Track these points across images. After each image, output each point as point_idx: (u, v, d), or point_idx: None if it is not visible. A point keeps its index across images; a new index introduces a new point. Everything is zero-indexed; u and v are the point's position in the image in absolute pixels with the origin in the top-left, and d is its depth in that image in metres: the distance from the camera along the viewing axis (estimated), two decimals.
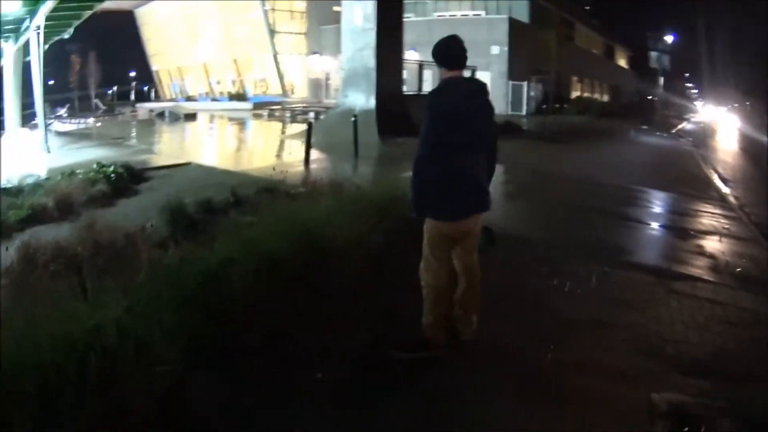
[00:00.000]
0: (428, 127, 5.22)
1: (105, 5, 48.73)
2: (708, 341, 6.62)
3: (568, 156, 23.68)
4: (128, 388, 4.16)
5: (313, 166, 17.04)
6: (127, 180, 16.44)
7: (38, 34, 29.63)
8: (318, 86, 63.61)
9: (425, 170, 5.22)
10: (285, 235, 6.49)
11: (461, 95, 5.37)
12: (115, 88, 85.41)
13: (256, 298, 5.49)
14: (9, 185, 15.86)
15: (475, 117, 5.36)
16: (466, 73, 5.71)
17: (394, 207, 7.99)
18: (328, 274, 6.43)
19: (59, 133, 40.08)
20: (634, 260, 9.71)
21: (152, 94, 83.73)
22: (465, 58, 5.49)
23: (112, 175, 16.02)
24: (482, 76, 37.72)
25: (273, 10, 68.52)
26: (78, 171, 16.67)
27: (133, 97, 79.80)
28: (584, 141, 29.90)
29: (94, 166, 16.82)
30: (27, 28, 30.41)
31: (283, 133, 34.29)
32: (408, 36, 30.47)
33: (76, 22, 37.69)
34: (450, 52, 5.48)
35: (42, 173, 17.67)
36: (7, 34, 33.20)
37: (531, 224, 11.66)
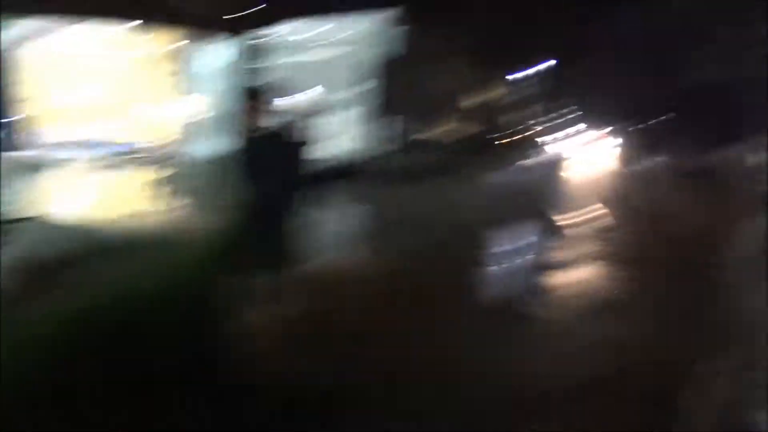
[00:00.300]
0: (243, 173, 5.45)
1: None
2: None
3: (437, 197, 22.74)
4: None
5: (166, 215, 16.88)
6: None
7: None
8: (186, 132, 63.00)
9: (243, 218, 5.46)
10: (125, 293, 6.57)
11: (273, 141, 5.68)
12: None
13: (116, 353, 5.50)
14: None
15: (281, 162, 5.60)
16: None
17: None
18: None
19: None
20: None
21: (21, 141, 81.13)
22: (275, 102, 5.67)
23: None
24: (347, 114, 37.71)
25: (143, 54, 67.53)
26: None
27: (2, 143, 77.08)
28: (450, 178, 29.57)
29: None
30: None
31: (144, 179, 33.86)
32: (279, 79, 30.30)
33: None
34: (257, 93, 5.85)
35: None
36: None
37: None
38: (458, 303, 9.68)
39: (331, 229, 15.84)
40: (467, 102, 60.17)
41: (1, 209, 20.05)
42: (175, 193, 20.99)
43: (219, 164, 20.01)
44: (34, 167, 41.68)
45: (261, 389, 5.90)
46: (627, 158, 36.72)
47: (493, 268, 12.61)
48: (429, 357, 7.21)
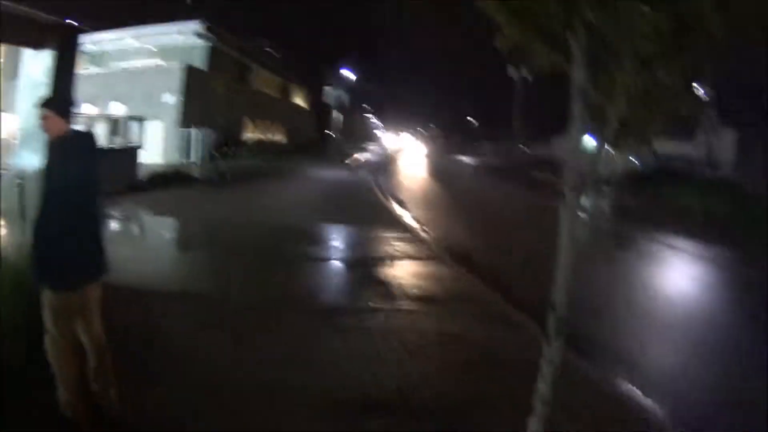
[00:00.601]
0: (47, 183, 5.04)
1: None
2: (386, 375, 6.76)
3: (242, 201, 23.98)
4: None
5: None
6: None
7: None
8: (7, 146, 60.49)
9: (39, 231, 4.97)
10: None
11: (70, 149, 5.21)
12: None
13: None
14: None
15: (82, 171, 5.19)
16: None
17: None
18: None
19: None
20: (305, 304, 9.78)
21: None
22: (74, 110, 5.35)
23: None
24: (154, 125, 37.22)
25: None
26: None
27: None
28: (259, 184, 30.78)
29: None
30: None
31: None
32: (88, 89, 29.75)
33: None
34: (63, 102, 5.36)
35: None
36: None
37: (195, 278, 11.53)
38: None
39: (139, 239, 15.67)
40: (270, 110, 60.19)
41: None
42: None
43: (33, 179, 19.30)
44: None
45: None
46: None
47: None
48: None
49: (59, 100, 5.32)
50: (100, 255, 5.26)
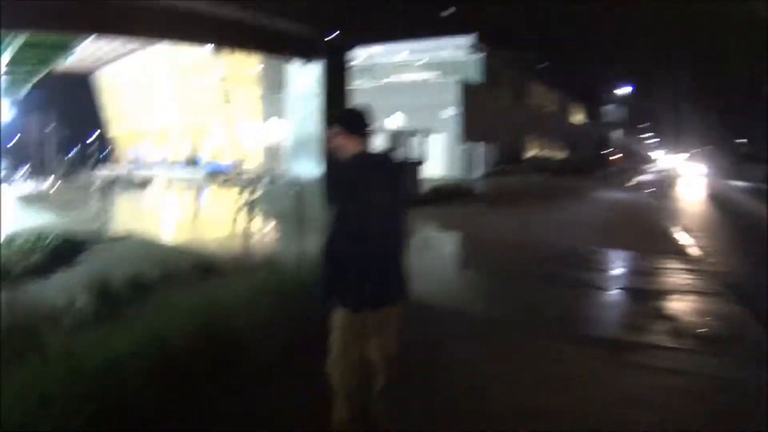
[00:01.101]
0: (336, 206, 4.90)
1: (65, 67, 48.11)
2: (668, 421, 6.24)
3: (521, 220, 23.72)
4: None
5: (254, 240, 17.02)
6: (65, 251, 16.30)
7: None
8: (273, 154, 63.50)
9: (333, 252, 4.84)
10: (196, 321, 6.51)
11: (369, 169, 5.09)
12: (73, 152, 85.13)
13: (155, 394, 5.38)
14: None
15: (384, 192, 5.03)
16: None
17: None
18: (240, 364, 6.37)
19: (15, 195, 39.96)
20: (586, 332, 9.43)
21: (109, 160, 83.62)
22: (370, 126, 5.17)
23: (50, 245, 16.03)
24: (435, 139, 37.76)
25: (228, 77, 68.80)
26: (16, 239, 16.69)
27: (92, 161, 79.58)
28: (538, 202, 29.85)
29: (33, 236, 16.82)
30: None
31: (231, 202, 34.25)
32: (361, 102, 30.65)
33: (32, 81, 37.72)
34: (355, 119, 5.17)
35: None
36: None
37: (473, 297, 11.59)
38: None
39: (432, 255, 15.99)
40: (549, 126, 59.53)
41: (87, 227, 20.66)
42: (261, 215, 21.18)
43: (307, 187, 20.13)
44: (122, 186, 42.68)
45: None
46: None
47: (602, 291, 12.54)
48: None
49: (349, 116, 5.18)
50: (400, 277, 5.15)
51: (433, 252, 16.40)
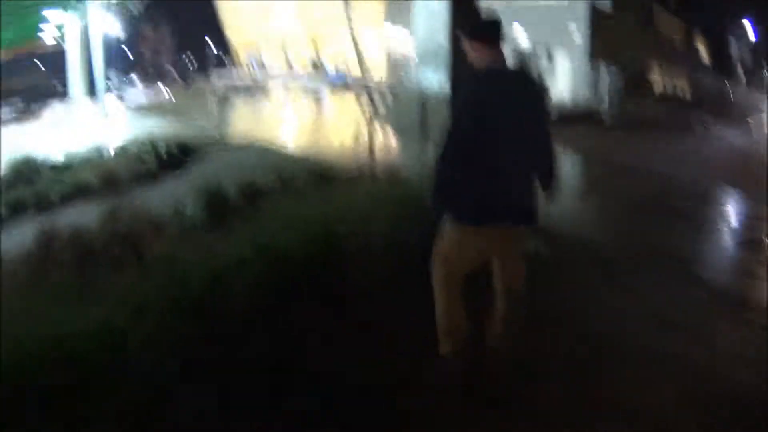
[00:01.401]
0: (455, 117, 4.57)
1: None
2: None
3: (648, 149, 22.58)
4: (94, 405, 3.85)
5: (376, 150, 16.59)
6: (178, 157, 16.16)
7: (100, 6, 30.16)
8: (398, 65, 62.96)
9: (444, 162, 4.51)
10: (311, 229, 6.05)
11: (501, 83, 4.63)
12: (192, 60, 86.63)
13: (260, 306, 4.99)
14: (57, 161, 15.84)
15: (519, 111, 4.59)
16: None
17: None
18: (356, 276, 5.81)
19: (129, 103, 40.59)
20: (703, 276, 8.51)
21: (230, 68, 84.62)
22: (501, 33, 4.68)
23: (163, 152, 15.81)
24: (562, 62, 37.01)
25: None
26: (129, 147, 16.59)
27: (211, 68, 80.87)
28: (665, 133, 28.72)
29: (147, 142, 16.59)
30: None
31: (355, 112, 33.99)
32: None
33: None
34: (492, 29, 4.67)
35: (95, 146, 17.51)
36: (71, 7, 33.90)
37: (594, 226, 11.00)
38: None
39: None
40: (674, 56, 57.70)
41: (203, 135, 20.62)
42: (384, 125, 20.72)
43: (432, 99, 19.57)
44: (241, 93, 43.01)
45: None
46: None
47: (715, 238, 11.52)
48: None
49: (484, 25, 4.68)
50: (526, 200, 4.74)
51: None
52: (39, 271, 6.60)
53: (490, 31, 4.66)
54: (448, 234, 4.72)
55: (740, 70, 56.29)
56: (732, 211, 13.72)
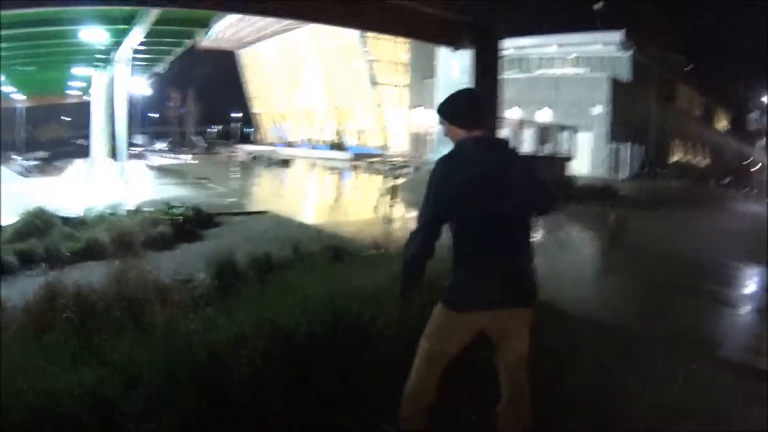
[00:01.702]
0: (428, 198, 4.59)
1: (206, 44, 49.09)
2: None
3: (666, 225, 22.53)
4: None
5: (396, 225, 16.48)
6: (193, 224, 16.25)
7: (125, 66, 30.54)
8: (420, 140, 63.27)
9: (420, 245, 4.60)
10: (319, 308, 5.94)
11: (475, 159, 4.55)
12: (219, 127, 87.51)
13: (257, 385, 4.89)
14: (72, 216, 15.90)
15: (497, 186, 4.49)
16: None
17: None
18: (362, 360, 5.67)
19: (151, 167, 40.87)
20: (726, 356, 8.22)
21: (254, 137, 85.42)
22: (482, 115, 4.75)
23: (179, 218, 15.86)
24: (583, 136, 37.08)
25: (375, 61, 69.30)
26: (145, 209, 16.78)
27: (235, 137, 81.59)
28: (683, 209, 28.24)
29: (163, 206, 16.65)
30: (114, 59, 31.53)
31: (374, 187, 34.07)
32: (509, 93, 29.96)
33: (169, 58, 38.62)
34: (462, 109, 4.69)
35: (112, 205, 17.55)
36: (97, 63, 34.38)
37: (612, 305, 10.65)
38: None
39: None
40: (694, 130, 57.71)
41: (222, 202, 20.69)
42: (403, 202, 20.71)
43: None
44: (263, 163, 43.43)
45: None
46: None
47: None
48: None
49: (448, 106, 4.69)
50: (519, 280, 4.58)
51: (575, 253, 15.53)
52: (39, 325, 6.54)
53: (467, 118, 4.64)
54: (437, 316, 4.65)
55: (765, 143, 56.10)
56: (758, 289, 13.48)
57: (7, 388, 4.16)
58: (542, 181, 4.73)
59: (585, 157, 39.69)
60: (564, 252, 15.28)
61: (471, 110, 4.65)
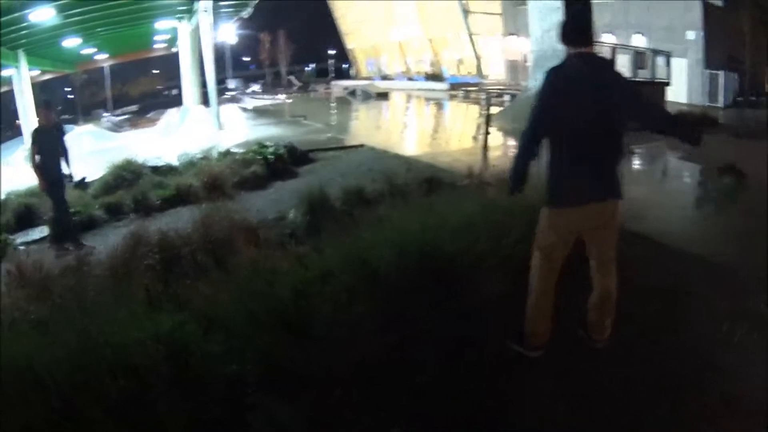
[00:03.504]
0: (537, 104, 4.96)
1: None
2: None
3: None
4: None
5: (493, 154, 16.18)
6: (287, 162, 16.14)
7: (207, 13, 30.78)
8: (515, 68, 62.43)
9: (526, 147, 5.04)
10: (406, 244, 5.78)
11: (581, 74, 4.90)
12: (312, 65, 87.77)
13: (350, 318, 4.78)
14: (161, 164, 16.03)
15: (598, 97, 4.82)
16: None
17: None
18: (457, 290, 5.53)
19: (246, 110, 41.14)
20: None
21: (350, 72, 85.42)
22: (589, 35, 5.02)
23: (271, 157, 15.73)
24: (677, 63, 35.94)
25: None
26: (237, 150, 16.68)
27: (331, 74, 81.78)
28: None
29: (256, 146, 16.57)
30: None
31: (472, 116, 33.65)
32: (603, 19, 29.24)
33: (253, 2, 38.73)
34: (572, 27, 5.07)
35: (204, 150, 17.61)
36: (180, 15, 34.67)
37: (713, 239, 9.78)
38: None
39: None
40: None
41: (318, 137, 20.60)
42: (503, 129, 20.34)
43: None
44: (360, 97, 43.30)
45: None
46: None
47: None
48: None
49: (561, 27, 5.09)
50: (609, 177, 5.02)
51: (674, 183, 14.89)
52: (121, 274, 6.58)
53: (576, 36, 5.03)
54: (542, 220, 5.14)
55: None
56: None
57: (84, 344, 4.15)
58: (642, 93, 5.10)
59: (681, 84, 38.61)
60: (666, 181, 14.92)
61: (575, 30, 5.03)
